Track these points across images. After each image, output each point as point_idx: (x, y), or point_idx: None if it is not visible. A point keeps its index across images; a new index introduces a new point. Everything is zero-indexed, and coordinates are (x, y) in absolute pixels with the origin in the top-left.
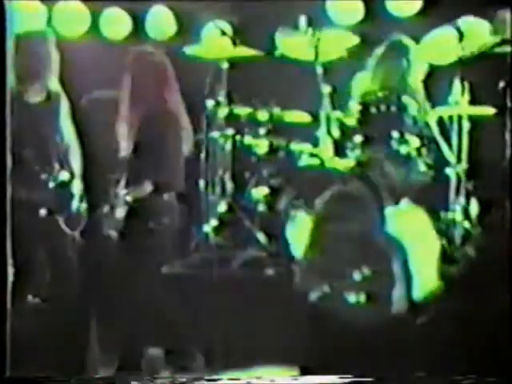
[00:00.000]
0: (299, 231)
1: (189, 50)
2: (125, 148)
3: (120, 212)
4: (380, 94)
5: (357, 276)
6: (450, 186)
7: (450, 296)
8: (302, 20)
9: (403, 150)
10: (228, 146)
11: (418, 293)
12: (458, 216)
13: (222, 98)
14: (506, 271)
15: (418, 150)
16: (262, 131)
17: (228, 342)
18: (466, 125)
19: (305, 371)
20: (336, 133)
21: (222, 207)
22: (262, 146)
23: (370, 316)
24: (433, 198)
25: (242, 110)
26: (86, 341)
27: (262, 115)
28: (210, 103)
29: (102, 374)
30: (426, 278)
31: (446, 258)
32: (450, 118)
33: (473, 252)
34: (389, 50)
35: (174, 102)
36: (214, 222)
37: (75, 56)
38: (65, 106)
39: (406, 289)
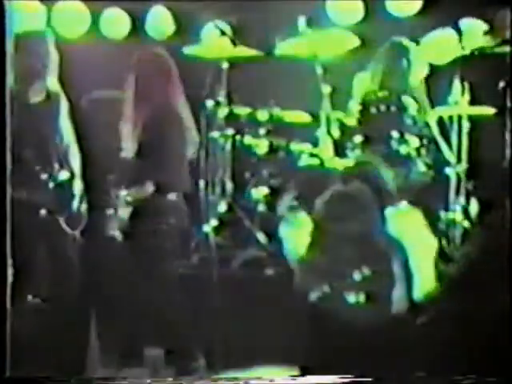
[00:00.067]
0: (299, 232)
1: (189, 50)
2: (128, 148)
3: (123, 212)
4: (380, 94)
5: (357, 276)
6: (450, 186)
7: (449, 296)
8: (302, 20)
9: (403, 150)
10: (228, 146)
11: (418, 293)
12: (458, 216)
13: (221, 98)
14: (505, 271)
15: (418, 149)
16: (262, 131)
17: (228, 342)
18: (466, 125)
19: (305, 371)
20: (336, 133)
21: (222, 207)
22: (261, 146)
23: (370, 316)
24: (433, 198)
25: (242, 110)
26: (85, 341)
27: (262, 115)
28: (209, 103)
29: (101, 374)
30: (425, 278)
31: (445, 258)
32: (450, 118)
33: (473, 252)
34: (389, 51)
35: (178, 102)
36: (214, 222)
37: (75, 56)
38: (64, 106)
39: (406, 289)
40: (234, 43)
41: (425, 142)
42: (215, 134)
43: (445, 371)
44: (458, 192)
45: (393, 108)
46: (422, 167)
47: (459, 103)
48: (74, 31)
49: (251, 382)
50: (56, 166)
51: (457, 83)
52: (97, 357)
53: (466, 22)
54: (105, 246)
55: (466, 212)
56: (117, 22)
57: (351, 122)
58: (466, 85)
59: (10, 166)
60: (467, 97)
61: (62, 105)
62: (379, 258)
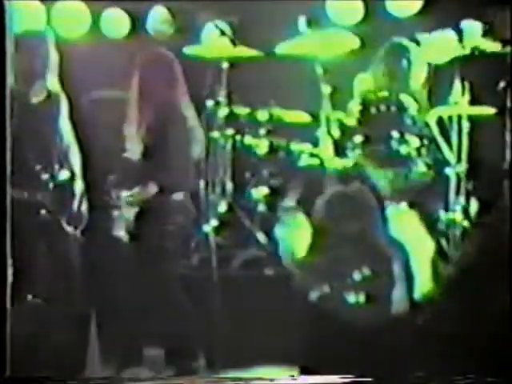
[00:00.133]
0: (296, 233)
1: (189, 50)
2: (133, 149)
3: (127, 213)
4: (380, 94)
5: (357, 276)
6: (450, 186)
7: (449, 296)
8: (302, 20)
9: (403, 150)
10: (228, 146)
11: (418, 293)
12: (458, 216)
13: (221, 98)
14: (506, 271)
15: (418, 149)
16: (262, 131)
17: (228, 342)
18: (466, 125)
19: (305, 371)
20: (336, 133)
21: (222, 207)
22: (261, 146)
23: (370, 316)
24: (433, 198)
25: (242, 110)
26: (85, 341)
27: (262, 115)
28: (209, 103)
29: (101, 373)
30: (425, 278)
31: (445, 258)
32: (450, 118)
33: (473, 252)
34: (389, 51)
35: (182, 102)
36: (214, 222)
37: (75, 56)
38: (65, 106)
39: (406, 289)
40: (233, 43)
41: (425, 142)
42: (215, 133)
43: (444, 371)
44: (458, 192)
45: (393, 108)
46: (422, 167)
47: (459, 103)
48: (75, 31)
49: (251, 382)
50: (56, 166)
51: (457, 83)
52: (97, 357)
53: (466, 22)
54: (105, 246)
55: (466, 212)
56: (117, 22)
57: (351, 122)
58: (466, 85)
59: (10, 166)
60: (467, 97)
61: (62, 105)
62: (379, 258)
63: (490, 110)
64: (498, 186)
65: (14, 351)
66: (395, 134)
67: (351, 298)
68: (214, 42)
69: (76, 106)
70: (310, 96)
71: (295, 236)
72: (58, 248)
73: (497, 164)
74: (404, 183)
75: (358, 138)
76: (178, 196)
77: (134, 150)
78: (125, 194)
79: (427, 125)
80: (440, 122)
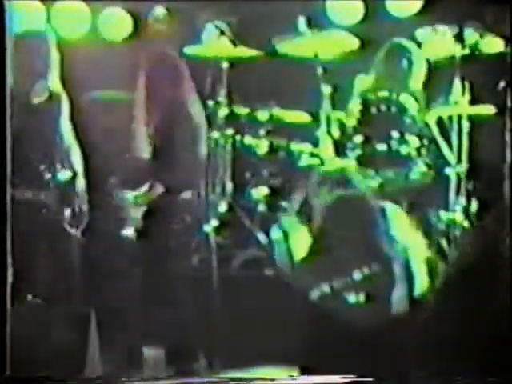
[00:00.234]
0: (293, 234)
1: (189, 49)
2: (141, 149)
3: (135, 213)
4: (380, 94)
5: (357, 276)
6: (450, 186)
7: (449, 296)
8: (302, 20)
9: (403, 150)
10: (228, 146)
11: (418, 293)
12: (458, 216)
13: (221, 98)
14: (506, 271)
15: (418, 149)
16: (262, 131)
17: (228, 342)
18: (466, 125)
19: (305, 371)
20: (336, 133)
21: (222, 207)
22: (261, 146)
23: (371, 316)
24: (433, 198)
25: (242, 110)
26: (85, 341)
27: (262, 115)
28: (210, 103)
29: (101, 373)
30: (425, 278)
31: (445, 258)
32: (450, 118)
33: (473, 252)
34: (389, 51)
35: (188, 100)
36: (214, 222)
37: (76, 56)
38: (66, 106)
39: (407, 289)
40: (233, 43)
41: (425, 142)
42: (215, 133)
43: (444, 371)
44: (458, 192)
45: (393, 108)
46: (422, 167)
47: (459, 103)
48: (75, 31)
49: (251, 382)
50: (58, 165)
51: (457, 83)
52: (97, 357)
53: (466, 22)
54: (105, 246)
55: (466, 212)
56: (118, 22)
57: (351, 122)
58: (466, 85)
59: (11, 165)
60: (467, 97)
61: (63, 105)
62: (380, 258)
63: (490, 110)
64: (498, 186)
65: (14, 351)
66: (395, 134)
67: (351, 297)
68: (213, 42)
69: (77, 106)
70: (310, 96)
71: (293, 239)
72: (58, 248)
73: (497, 164)
74: (404, 183)
75: (358, 138)
76: (187, 195)
77: (143, 149)
78: (131, 193)
79: (427, 125)
80: (440, 122)
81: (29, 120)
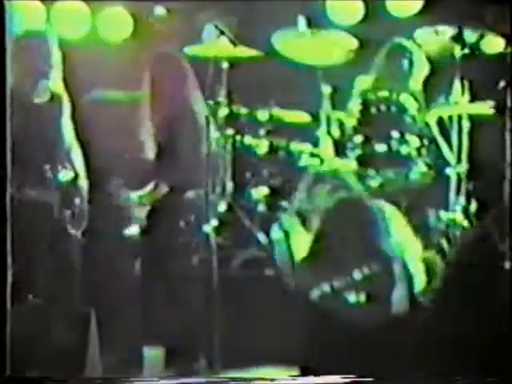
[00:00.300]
0: (300, 232)
1: (189, 50)
2: (147, 149)
3: (139, 212)
4: (380, 94)
5: (357, 276)
6: (450, 186)
7: (449, 296)
8: (302, 20)
9: (403, 150)
10: (228, 146)
11: (418, 293)
12: (458, 216)
13: (221, 98)
14: (506, 271)
15: (418, 149)
16: (262, 131)
17: (228, 342)
18: (466, 125)
19: (305, 371)
20: (336, 133)
21: (222, 207)
22: (261, 146)
23: (371, 316)
24: (433, 198)
25: (242, 110)
26: (85, 341)
27: (262, 115)
28: (209, 103)
29: (101, 374)
30: (425, 278)
31: (445, 258)
32: (450, 118)
33: (473, 252)
34: (389, 51)
35: (193, 101)
36: (214, 222)
37: (77, 56)
38: (67, 107)
39: (407, 289)
40: (233, 43)
41: (425, 142)
42: (215, 133)
43: (444, 371)
44: (458, 192)
45: (393, 108)
46: (422, 167)
47: (459, 103)
48: (76, 31)
49: (252, 382)
50: (58, 165)
51: (457, 83)
52: (97, 357)
53: (466, 22)
54: (106, 246)
55: (466, 212)
56: (118, 23)
57: (351, 122)
58: (466, 84)
59: (11, 166)
60: (467, 97)
61: (64, 105)
62: (380, 258)
63: (489, 110)
64: (498, 186)
65: (14, 351)
66: (395, 134)
67: (352, 297)
68: (213, 41)
69: (78, 106)
70: (310, 96)
71: (294, 239)
72: (58, 248)
73: (497, 164)
74: (404, 183)
75: (358, 138)
76: (189, 195)
77: (146, 149)
78: (135, 193)
79: (427, 125)
80: (440, 121)
81: (29, 120)
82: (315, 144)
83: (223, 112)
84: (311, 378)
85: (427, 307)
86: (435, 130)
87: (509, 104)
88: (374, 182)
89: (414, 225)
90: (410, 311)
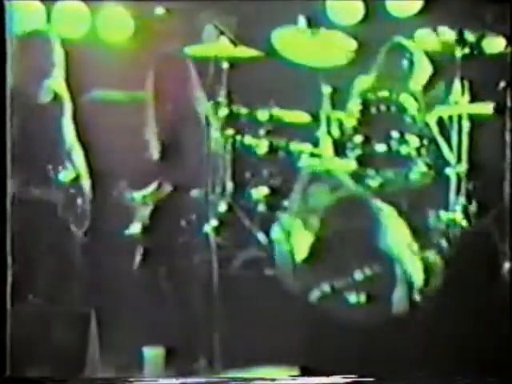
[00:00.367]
0: (300, 232)
1: (189, 50)
2: (151, 149)
3: (143, 211)
4: (380, 94)
5: (358, 276)
6: (450, 186)
7: (449, 296)
8: (302, 20)
9: (403, 150)
10: (228, 146)
11: (418, 293)
12: (458, 216)
13: (221, 98)
14: (506, 271)
15: (418, 149)
16: (261, 131)
17: (228, 342)
18: (466, 125)
19: (305, 371)
20: (336, 133)
21: (222, 207)
22: (261, 146)
23: (371, 316)
24: (433, 198)
25: (242, 110)
26: (85, 341)
27: (262, 115)
28: (210, 103)
29: (101, 373)
30: (425, 278)
31: (445, 258)
32: (450, 117)
33: (472, 252)
34: (389, 51)
35: (195, 101)
36: (214, 222)
37: (79, 56)
38: (68, 107)
39: (407, 289)
40: (233, 43)
41: (425, 142)
42: (215, 134)
43: (445, 371)
44: (458, 192)
45: (393, 108)
46: (422, 167)
47: (459, 103)
48: (76, 31)
49: (252, 382)
50: (60, 165)
51: (457, 83)
52: (97, 357)
53: (466, 22)
54: (106, 246)
55: (466, 212)
56: (118, 23)
57: (351, 122)
58: (466, 84)
59: (11, 165)
60: (467, 97)
61: (65, 105)
62: (380, 258)
63: (490, 110)
64: (498, 186)
65: (14, 351)
66: (395, 134)
67: (352, 298)
68: (213, 41)
69: (80, 107)
70: (310, 96)
71: (294, 239)
72: (58, 248)
73: (497, 164)
74: (404, 183)
75: (358, 138)
76: (193, 194)
77: (151, 148)
78: (138, 193)
79: (427, 125)
80: (440, 121)
81: (30, 120)
82: (315, 144)
83: (223, 112)
84: (311, 378)
85: (427, 307)
86: (435, 130)
87: (509, 104)
88: (374, 182)
89: (414, 225)
90: (410, 311)
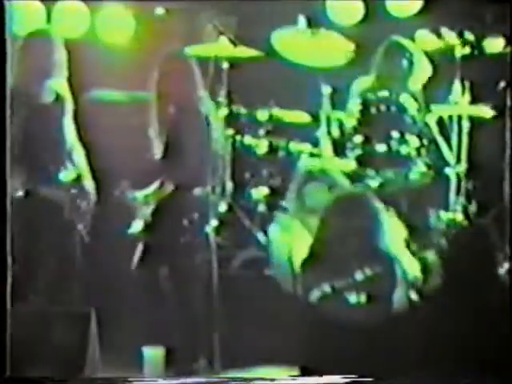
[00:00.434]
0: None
1: (189, 50)
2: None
3: (144, 210)
4: (380, 94)
5: (358, 276)
6: (450, 186)
7: (450, 296)
8: (302, 20)
9: (403, 150)
10: (228, 145)
11: (418, 293)
12: (458, 216)
13: (222, 98)
14: (506, 271)
15: (418, 149)
16: (261, 131)
17: (228, 342)
18: (466, 125)
19: (305, 371)
20: (336, 133)
21: (222, 207)
22: (261, 146)
23: (371, 316)
24: (433, 198)
25: (242, 110)
26: (85, 341)
27: (262, 115)
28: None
29: (101, 373)
30: (425, 278)
31: (445, 258)
32: (450, 117)
33: (472, 252)
34: (389, 50)
35: (201, 101)
36: (214, 222)
37: (79, 56)
38: (70, 107)
39: (407, 289)
40: (233, 43)
41: (425, 142)
42: (215, 133)
43: (445, 371)
44: (458, 192)
45: (393, 108)
46: (422, 167)
47: (459, 103)
48: (77, 32)
49: (251, 382)
50: (61, 165)
51: (457, 83)
52: (97, 357)
53: (466, 22)
54: (106, 246)
55: (465, 212)
56: (118, 23)
57: (351, 122)
58: (466, 84)
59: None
60: (467, 97)
61: (67, 105)
62: (380, 258)
63: (489, 110)
64: (497, 186)
65: (14, 351)
66: (395, 134)
67: (352, 298)
68: (213, 41)
69: (81, 107)
70: (310, 96)
71: (294, 240)
72: (59, 248)
73: (497, 164)
74: (404, 183)
75: (358, 138)
76: (195, 193)
77: (153, 148)
78: (140, 192)
79: (427, 125)
80: (440, 121)
81: (31, 120)
82: (315, 144)
83: (223, 112)
84: (311, 378)
85: (427, 307)
86: (435, 130)
87: (509, 104)
88: (374, 182)
89: (414, 225)
90: (410, 311)
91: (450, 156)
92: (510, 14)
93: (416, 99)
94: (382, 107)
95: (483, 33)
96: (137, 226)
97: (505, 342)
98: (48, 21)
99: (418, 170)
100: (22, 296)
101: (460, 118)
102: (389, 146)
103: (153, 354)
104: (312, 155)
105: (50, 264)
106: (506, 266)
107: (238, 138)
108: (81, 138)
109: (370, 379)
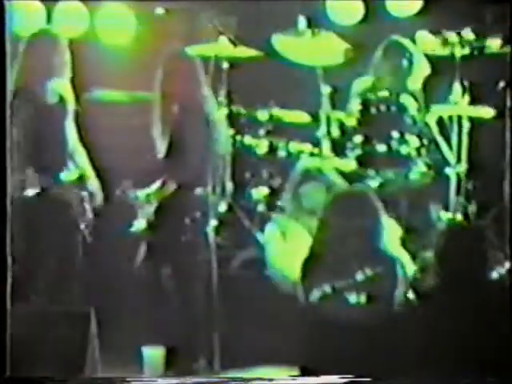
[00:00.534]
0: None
1: (189, 50)
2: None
3: (147, 209)
4: (380, 94)
5: (358, 276)
6: (450, 186)
7: (449, 296)
8: (302, 20)
9: (403, 150)
10: (228, 145)
11: (418, 293)
12: (458, 216)
13: (222, 98)
14: (505, 271)
15: (418, 149)
16: (261, 131)
17: (228, 342)
18: (466, 125)
19: (305, 371)
20: (336, 133)
21: (222, 207)
22: (261, 146)
23: (370, 316)
24: (433, 198)
25: (242, 110)
26: (85, 341)
27: (262, 115)
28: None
29: (101, 373)
30: (425, 278)
31: (445, 258)
32: (450, 118)
33: (472, 252)
34: (389, 50)
35: (206, 101)
36: (214, 222)
37: (80, 57)
38: (71, 107)
39: (407, 289)
40: (233, 43)
41: (425, 142)
42: (215, 134)
43: (445, 371)
44: (458, 192)
45: (393, 108)
46: (422, 167)
47: (459, 103)
48: (77, 32)
49: (251, 382)
50: (62, 165)
51: (457, 83)
52: (97, 357)
53: (466, 22)
54: (106, 246)
55: (465, 212)
56: (119, 23)
57: (351, 122)
58: (466, 85)
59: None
60: (467, 97)
61: (68, 106)
62: (380, 258)
63: (489, 110)
64: (497, 186)
65: (14, 351)
66: (395, 134)
67: (352, 298)
68: (213, 41)
69: (84, 107)
70: (310, 96)
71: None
72: (60, 247)
73: (497, 164)
74: (404, 183)
75: (358, 138)
76: (196, 192)
77: (159, 148)
78: (142, 191)
79: (427, 125)
80: (440, 121)
81: (32, 120)
82: (315, 144)
83: (223, 112)
84: (311, 378)
85: (427, 307)
86: (435, 130)
87: (509, 104)
88: (374, 182)
89: (414, 225)
90: (410, 311)
91: (450, 156)
92: (510, 14)
93: (416, 99)
94: (382, 107)
95: (483, 33)
96: (139, 224)
97: (505, 342)
98: (48, 21)
99: (418, 170)
100: (22, 296)
101: (460, 118)
102: (389, 146)
103: (153, 353)
104: (312, 155)
105: (51, 264)
106: (506, 265)
107: (238, 137)
108: (82, 138)
109: (370, 379)
